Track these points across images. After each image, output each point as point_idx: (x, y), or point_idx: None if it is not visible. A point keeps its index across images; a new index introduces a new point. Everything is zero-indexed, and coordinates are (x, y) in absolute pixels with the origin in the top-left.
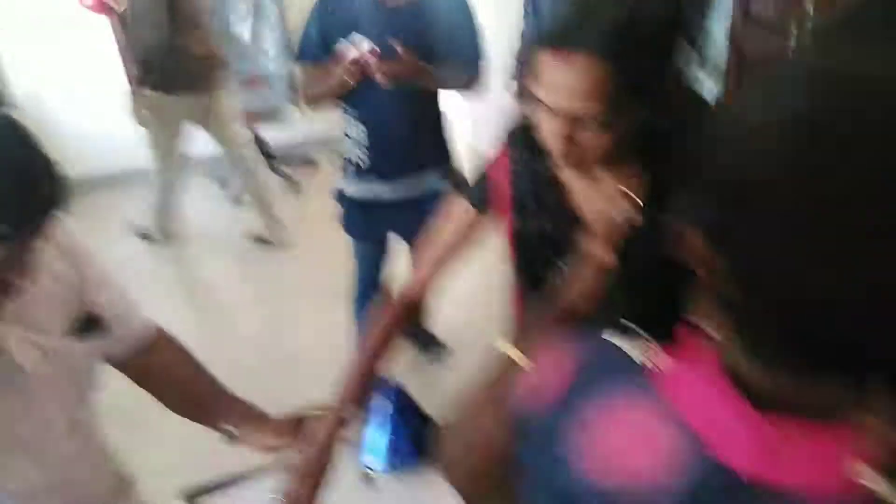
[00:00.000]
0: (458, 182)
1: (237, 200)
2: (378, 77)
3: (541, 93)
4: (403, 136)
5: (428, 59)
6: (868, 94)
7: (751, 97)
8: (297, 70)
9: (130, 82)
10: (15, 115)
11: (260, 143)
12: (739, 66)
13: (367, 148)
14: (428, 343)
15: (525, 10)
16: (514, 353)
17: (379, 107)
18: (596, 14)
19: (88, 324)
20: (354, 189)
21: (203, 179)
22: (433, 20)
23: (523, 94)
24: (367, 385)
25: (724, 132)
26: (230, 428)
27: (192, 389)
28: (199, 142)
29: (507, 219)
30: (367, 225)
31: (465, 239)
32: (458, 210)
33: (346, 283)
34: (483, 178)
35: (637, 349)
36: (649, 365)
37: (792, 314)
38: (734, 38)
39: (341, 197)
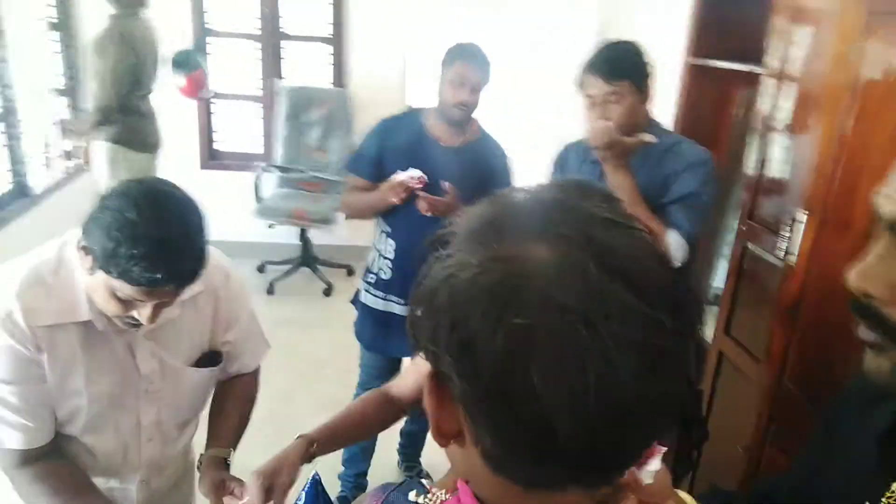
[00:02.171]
0: None
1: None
2: (420, 204)
3: None
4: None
5: (468, 198)
6: None
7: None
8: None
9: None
10: None
11: (305, 242)
12: None
13: (391, 261)
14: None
15: (554, 168)
16: None
17: (412, 229)
18: None
19: (209, 357)
20: (371, 298)
21: (242, 264)
22: (480, 164)
23: None
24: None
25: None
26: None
27: (217, 417)
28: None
29: None
30: (377, 335)
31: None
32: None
33: (351, 389)
34: None
35: (420, 495)
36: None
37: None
38: None
39: (357, 302)
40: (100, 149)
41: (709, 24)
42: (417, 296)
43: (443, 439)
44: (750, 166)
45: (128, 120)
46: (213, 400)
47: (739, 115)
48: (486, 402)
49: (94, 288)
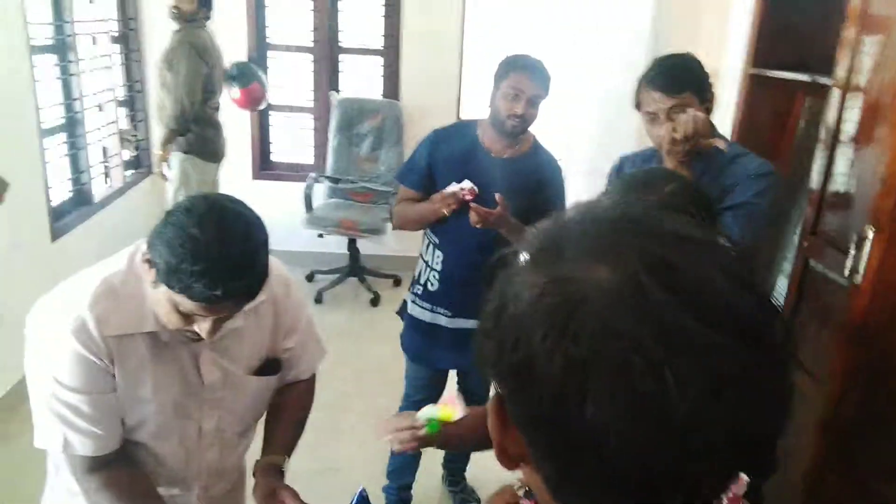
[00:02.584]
0: None
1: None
2: (471, 216)
3: None
4: (475, 276)
5: (519, 210)
6: None
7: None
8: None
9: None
10: None
11: (354, 252)
12: None
13: (438, 273)
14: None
15: (609, 180)
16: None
17: (461, 241)
18: None
19: (268, 365)
20: (417, 309)
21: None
22: (532, 176)
23: None
24: None
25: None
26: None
27: (272, 424)
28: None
29: None
30: (423, 347)
31: None
32: None
33: (396, 401)
34: None
35: None
36: None
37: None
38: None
39: (404, 313)
40: (172, 159)
41: (769, 33)
42: (483, 315)
43: (507, 461)
44: (814, 179)
45: (200, 130)
46: (270, 406)
47: (801, 126)
48: (543, 427)
49: (156, 300)
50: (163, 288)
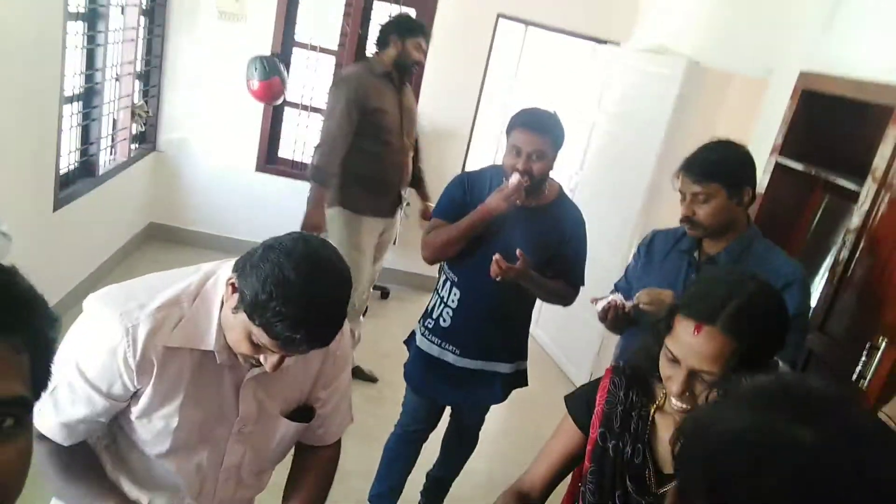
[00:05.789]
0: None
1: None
2: (493, 268)
3: (675, 348)
4: (490, 321)
5: (539, 260)
6: None
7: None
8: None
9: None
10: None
11: None
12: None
13: (453, 310)
14: None
15: (638, 251)
16: None
17: (480, 283)
18: (730, 301)
19: (301, 411)
20: (426, 342)
21: None
22: (553, 228)
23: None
24: None
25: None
26: None
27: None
28: None
29: (592, 432)
30: (427, 380)
31: (570, 457)
32: (567, 428)
33: (383, 423)
34: (591, 398)
35: None
36: None
37: None
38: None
39: (411, 343)
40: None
41: (801, 127)
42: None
43: None
44: (829, 277)
45: None
46: (292, 477)
47: (814, 221)
48: None
49: (231, 325)
50: (242, 315)
